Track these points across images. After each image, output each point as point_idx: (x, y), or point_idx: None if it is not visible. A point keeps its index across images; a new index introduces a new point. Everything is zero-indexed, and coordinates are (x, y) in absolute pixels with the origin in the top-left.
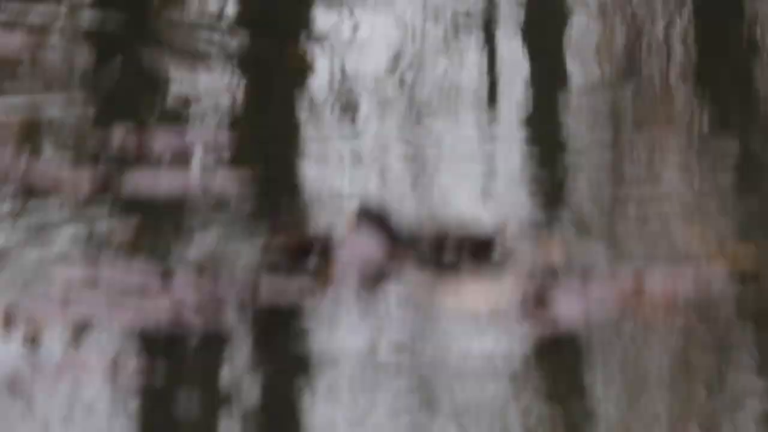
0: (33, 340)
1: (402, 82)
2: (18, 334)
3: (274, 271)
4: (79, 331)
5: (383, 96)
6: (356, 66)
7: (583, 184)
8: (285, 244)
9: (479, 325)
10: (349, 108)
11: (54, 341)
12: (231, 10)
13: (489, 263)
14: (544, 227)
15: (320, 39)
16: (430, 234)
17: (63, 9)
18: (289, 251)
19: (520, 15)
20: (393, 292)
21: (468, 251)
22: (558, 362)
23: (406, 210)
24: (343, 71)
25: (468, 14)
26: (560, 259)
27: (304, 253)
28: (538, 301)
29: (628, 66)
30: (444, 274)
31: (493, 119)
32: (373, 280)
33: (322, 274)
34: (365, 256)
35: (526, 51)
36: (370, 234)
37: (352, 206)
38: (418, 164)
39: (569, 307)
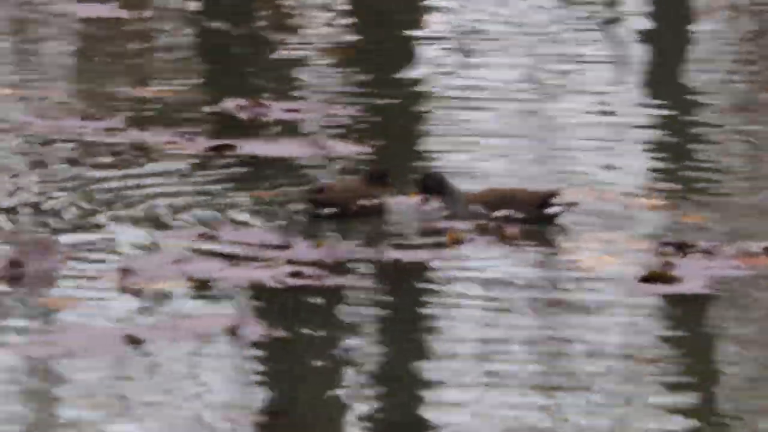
0: (150, 297)
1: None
2: (135, 291)
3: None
4: (197, 288)
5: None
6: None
7: (716, 157)
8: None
9: (600, 283)
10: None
11: (171, 299)
12: None
13: (546, 220)
14: (675, 195)
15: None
16: (487, 196)
17: None
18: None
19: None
20: (513, 248)
21: (525, 209)
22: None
23: (525, 169)
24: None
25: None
26: (691, 227)
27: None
28: (663, 265)
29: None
30: (568, 233)
31: (618, 85)
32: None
33: (452, 234)
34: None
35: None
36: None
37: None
38: (542, 130)
39: (694, 272)
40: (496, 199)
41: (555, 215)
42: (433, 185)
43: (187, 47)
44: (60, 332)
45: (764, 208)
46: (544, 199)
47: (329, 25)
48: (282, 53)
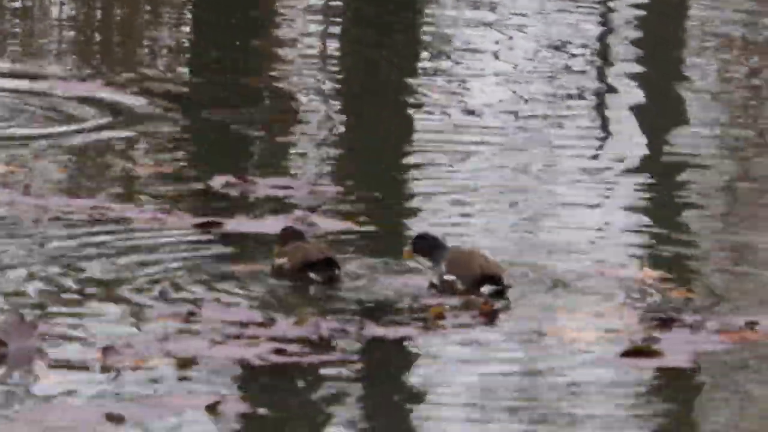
0: (132, 375)
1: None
2: (119, 368)
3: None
4: (181, 366)
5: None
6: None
7: (708, 231)
8: (291, 261)
9: (586, 356)
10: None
11: (155, 377)
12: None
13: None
14: (665, 270)
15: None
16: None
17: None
18: (293, 267)
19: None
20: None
21: (467, 282)
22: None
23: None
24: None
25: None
26: (675, 301)
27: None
28: (646, 339)
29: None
30: (554, 305)
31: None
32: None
33: (435, 310)
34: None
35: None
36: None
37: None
38: (535, 181)
39: (677, 347)
40: (456, 266)
41: (494, 293)
42: (425, 246)
43: (176, 124)
44: (42, 412)
45: (748, 281)
46: (482, 279)
47: (322, 101)
48: (273, 129)
